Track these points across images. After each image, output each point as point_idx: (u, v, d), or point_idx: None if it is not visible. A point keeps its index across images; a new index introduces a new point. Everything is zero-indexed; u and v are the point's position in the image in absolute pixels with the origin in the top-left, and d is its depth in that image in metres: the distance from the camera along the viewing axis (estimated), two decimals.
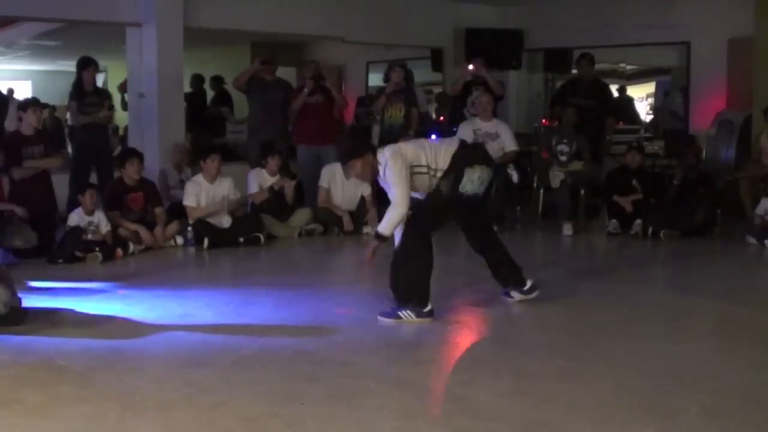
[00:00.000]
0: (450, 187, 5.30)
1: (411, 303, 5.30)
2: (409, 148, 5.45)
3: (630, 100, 13.85)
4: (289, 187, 8.94)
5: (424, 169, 5.36)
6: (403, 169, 5.29)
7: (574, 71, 11.15)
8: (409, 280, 5.32)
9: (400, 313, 5.30)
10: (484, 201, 5.55)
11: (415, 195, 5.48)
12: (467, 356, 4.91)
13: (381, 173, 5.37)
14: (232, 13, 10.17)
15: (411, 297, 5.31)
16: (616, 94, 13.76)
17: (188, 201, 8.32)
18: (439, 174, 5.35)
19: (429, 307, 5.32)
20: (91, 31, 11.67)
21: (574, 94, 10.07)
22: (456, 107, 10.78)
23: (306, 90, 9.62)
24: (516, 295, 5.78)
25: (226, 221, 8.32)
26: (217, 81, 13.95)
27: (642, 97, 14.08)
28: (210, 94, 14.10)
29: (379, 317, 5.35)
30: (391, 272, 5.45)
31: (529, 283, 5.78)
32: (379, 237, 5.36)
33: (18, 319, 5.19)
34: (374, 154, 5.41)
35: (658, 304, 6.00)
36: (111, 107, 9.42)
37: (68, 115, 11.72)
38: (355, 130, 5.30)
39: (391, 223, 5.33)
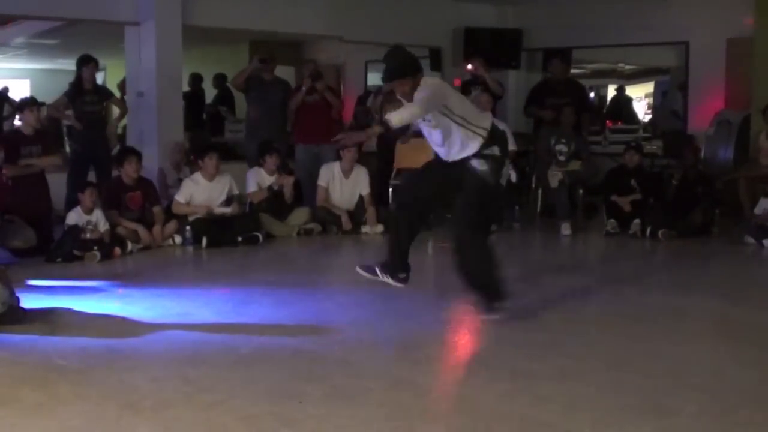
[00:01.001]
0: (497, 177, 5.20)
1: (494, 299, 5.23)
2: (451, 93, 5.33)
3: (629, 100, 13.86)
4: (288, 183, 8.93)
5: (457, 118, 5.15)
6: (434, 102, 5.10)
7: (576, 70, 11.18)
8: (481, 280, 5.25)
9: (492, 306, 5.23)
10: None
11: (424, 128, 5.31)
12: (466, 355, 4.91)
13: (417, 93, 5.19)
14: (231, 12, 10.16)
15: (489, 293, 5.24)
16: (614, 93, 13.80)
17: (179, 196, 8.39)
18: (480, 131, 5.16)
19: (505, 301, 5.25)
20: (89, 29, 11.64)
21: (547, 94, 10.13)
22: None
23: (304, 88, 9.62)
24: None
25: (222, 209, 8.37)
26: (219, 79, 13.89)
27: (640, 97, 14.09)
28: (209, 93, 14.06)
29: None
30: (463, 278, 5.34)
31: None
32: (384, 123, 5.11)
33: (16, 318, 5.18)
34: (421, 73, 5.26)
35: (657, 304, 5.99)
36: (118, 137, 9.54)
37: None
38: (398, 49, 5.11)
39: (402, 118, 5.10)
